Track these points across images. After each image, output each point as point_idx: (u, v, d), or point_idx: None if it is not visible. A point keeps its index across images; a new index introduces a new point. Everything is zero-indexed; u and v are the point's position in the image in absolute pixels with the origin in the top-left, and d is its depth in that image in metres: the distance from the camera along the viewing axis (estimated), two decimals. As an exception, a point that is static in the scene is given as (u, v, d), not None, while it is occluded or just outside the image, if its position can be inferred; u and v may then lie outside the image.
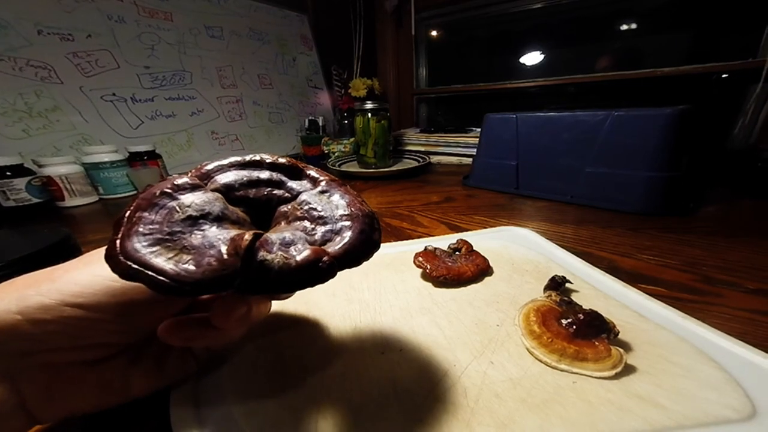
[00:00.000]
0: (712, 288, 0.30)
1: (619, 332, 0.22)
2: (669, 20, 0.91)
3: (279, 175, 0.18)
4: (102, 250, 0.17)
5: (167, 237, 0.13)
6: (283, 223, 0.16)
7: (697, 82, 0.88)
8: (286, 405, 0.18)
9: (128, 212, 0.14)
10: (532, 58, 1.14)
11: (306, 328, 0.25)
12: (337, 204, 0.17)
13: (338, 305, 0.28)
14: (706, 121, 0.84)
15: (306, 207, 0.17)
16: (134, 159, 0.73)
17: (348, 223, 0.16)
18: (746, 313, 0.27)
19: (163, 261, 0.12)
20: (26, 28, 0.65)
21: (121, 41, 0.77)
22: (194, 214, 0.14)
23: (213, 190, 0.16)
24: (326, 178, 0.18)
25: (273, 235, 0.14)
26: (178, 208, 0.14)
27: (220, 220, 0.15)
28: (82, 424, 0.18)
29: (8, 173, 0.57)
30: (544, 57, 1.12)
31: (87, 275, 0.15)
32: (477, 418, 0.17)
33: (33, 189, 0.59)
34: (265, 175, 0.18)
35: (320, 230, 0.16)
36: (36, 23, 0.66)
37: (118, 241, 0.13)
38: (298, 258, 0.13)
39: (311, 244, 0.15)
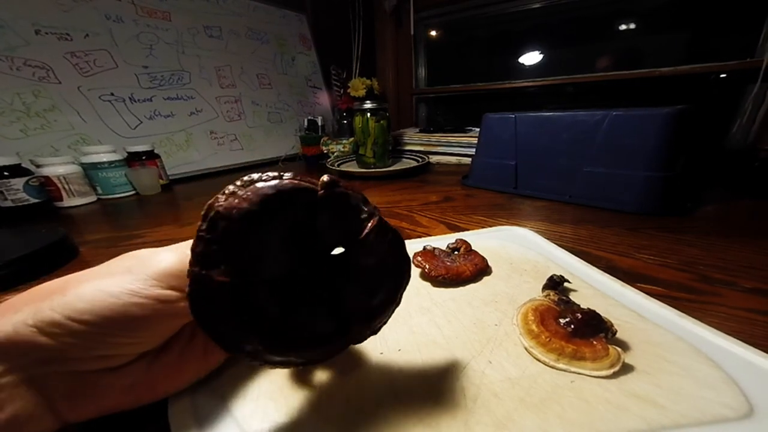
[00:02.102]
0: (709, 287, 0.31)
1: (617, 331, 0.22)
2: (668, 20, 0.91)
3: None
4: (117, 259, 0.17)
5: None
6: None
7: (696, 82, 0.88)
8: (285, 405, 0.18)
9: None
10: (532, 58, 1.14)
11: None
12: None
13: (337, 305, 0.28)
14: (704, 121, 0.84)
15: None
16: (133, 159, 0.72)
17: None
18: (744, 313, 0.27)
19: None
20: (24, 27, 0.64)
21: (119, 41, 0.77)
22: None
23: None
24: None
25: None
26: None
27: None
28: (82, 426, 0.18)
29: (6, 173, 0.57)
30: (544, 57, 1.12)
31: (92, 291, 0.15)
32: (475, 418, 0.17)
33: (31, 189, 0.59)
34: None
35: None
36: (33, 23, 0.66)
37: None
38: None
39: None
